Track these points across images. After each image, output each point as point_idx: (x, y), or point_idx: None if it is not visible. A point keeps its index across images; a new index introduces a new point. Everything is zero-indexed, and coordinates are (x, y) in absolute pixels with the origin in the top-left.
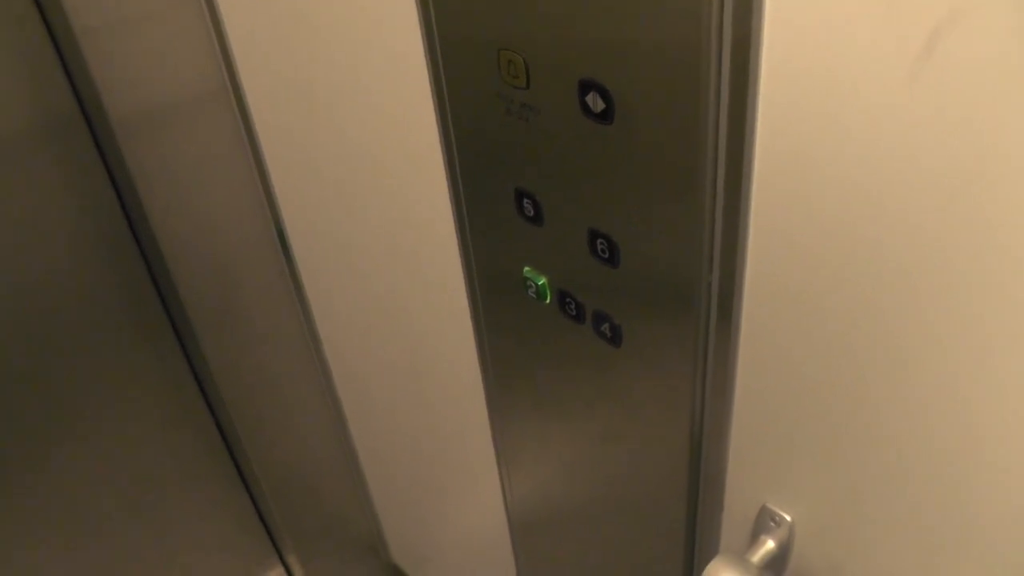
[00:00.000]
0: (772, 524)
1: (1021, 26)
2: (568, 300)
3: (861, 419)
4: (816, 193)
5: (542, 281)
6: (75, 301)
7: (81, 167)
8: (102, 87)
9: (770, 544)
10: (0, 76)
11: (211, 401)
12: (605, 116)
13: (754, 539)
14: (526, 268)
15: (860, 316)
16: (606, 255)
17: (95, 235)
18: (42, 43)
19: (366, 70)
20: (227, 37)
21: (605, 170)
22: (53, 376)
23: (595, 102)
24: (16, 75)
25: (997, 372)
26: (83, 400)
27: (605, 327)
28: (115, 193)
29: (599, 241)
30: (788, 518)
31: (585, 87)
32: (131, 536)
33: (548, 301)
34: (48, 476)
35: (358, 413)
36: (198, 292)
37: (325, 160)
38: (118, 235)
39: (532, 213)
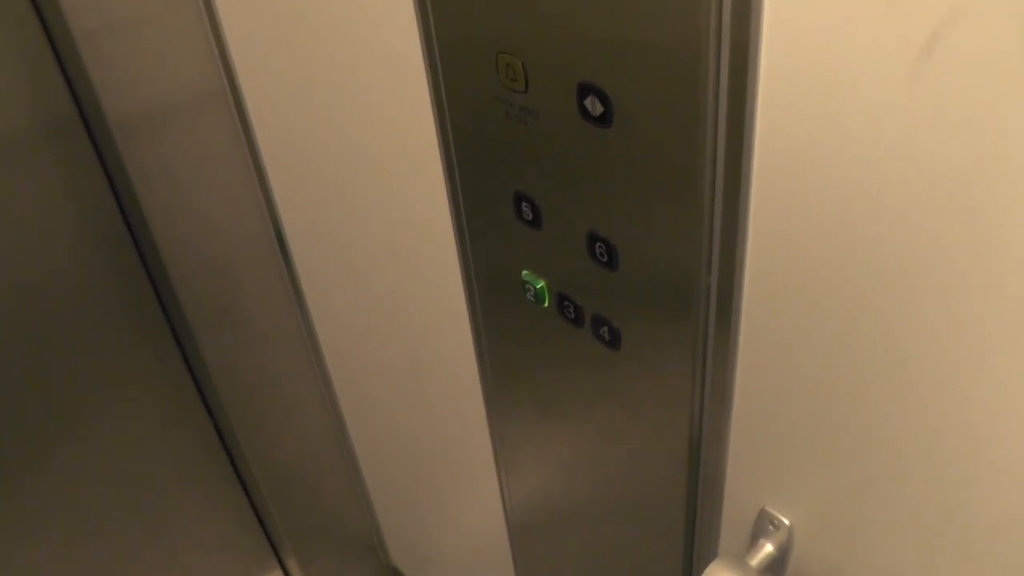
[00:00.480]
0: (771, 527)
1: (1020, 26)
2: (567, 303)
3: (861, 421)
4: (815, 194)
5: (541, 284)
6: (74, 302)
7: (80, 168)
8: (100, 89)
9: (769, 548)
10: (1, 81)
11: (209, 402)
12: (604, 119)
13: (753, 542)
14: (525, 271)
15: (860, 317)
16: (605, 258)
17: (94, 236)
18: (40, 45)
19: (365, 73)
20: (225, 39)
21: (604, 173)
22: (52, 376)
23: (594, 105)
24: (15, 77)
25: (997, 372)
26: (82, 400)
27: (604, 330)
28: (113, 194)
29: (598, 244)
30: (787, 522)
31: (584, 90)
32: (130, 536)
33: (547, 304)
34: (48, 476)
35: (357, 414)
36: (197, 293)
37: (324, 162)
38: (117, 236)
39: (531, 216)
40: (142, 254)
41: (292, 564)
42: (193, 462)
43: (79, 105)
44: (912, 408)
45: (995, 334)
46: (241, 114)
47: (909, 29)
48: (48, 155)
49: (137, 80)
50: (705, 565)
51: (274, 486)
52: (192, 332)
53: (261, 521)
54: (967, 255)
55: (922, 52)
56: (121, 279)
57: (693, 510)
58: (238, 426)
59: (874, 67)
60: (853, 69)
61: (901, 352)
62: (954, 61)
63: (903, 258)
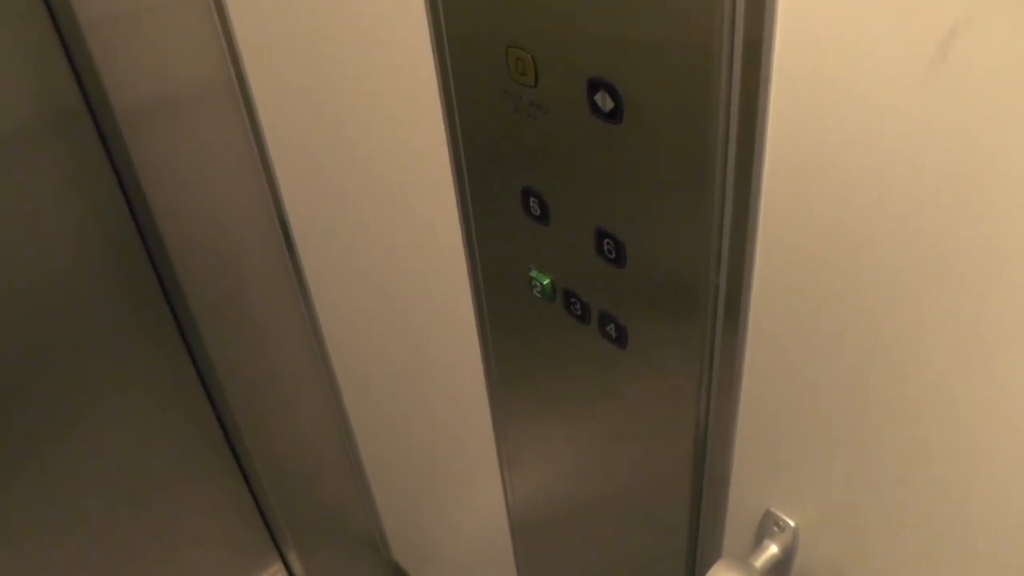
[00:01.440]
0: (776, 529)
1: None
2: (573, 300)
3: (866, 424)
4: (825, 196)
5: (547, 280)
6: (78, 294)
7: (86, 161)
8: (107, 81)
9: (774, 549)
10: (6, 70)
11: (213, 397)
12: (614, 115)
13: (757, 544)
14: (532, 267)
15: (866, 320)
16: (612, 255)
17: (99, 229)
18: (48, 37)
19: (374, 64)
20: (233, 30)
21: (613, 170)
22: (55, 369)
23: (604, 101)
24: (22, 69)
25: (1000, 380)
26: (84, 393)
27: (610, 328)
28: (120, 187)
29: (606, 241)
30: (792, 523)
31: (594, 86)
32: (132, 531)
33: (553, 301)
34: (50, 470)
35: (360, 409)
36: (201, 287)
37: (331, 155)
38: (122, 229)
39: (539, 212)
40: (147, 247)
41: (293, 558)
42: (196, 456)
43: (86, 98)
44: (917, 412)
45: (1000, 342)
46: (248, 106)
47: (922, 33)
48: (54, 148)
49: (144, 72)
50: (709, 566)
51: (276, 481)
52: (196, 326)
53: (263, 515)
54: (974, 263)
55: (935, 56)
56: (126, 272)
57: (697, 510)
58: (241, 420)
59: (887, 70)
60: (866, 71)
61: (906, 356)
62: (967, 66)
63: (910, 263)
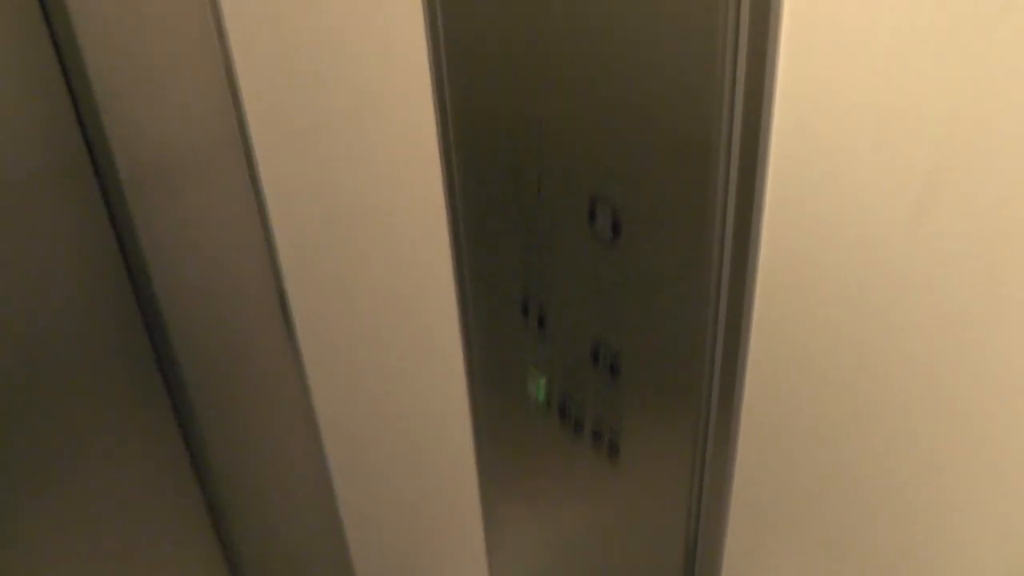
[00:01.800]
0: None
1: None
2: (567, 409)
3: (860, 541)
4: (816, 318)
5: (542, 387)
6: (67, 353)
7: (86, 216)
8: (112, 137)
9: None
10: (14, 121)
11: (200, 471)
12: (614, 233)
13: None
14: (528, 373)
15: (859, 434)
16: (608, 366)
17: (93, 285)
18: (58, 92)
19: (382, 154)
20: (240, 93)
21: (611, 284)
22: (37, 431)
23: (604, 219)
24: (29, 121)
25: (994, 505)
26: (66, 458)
27: (603, 438)
28: (118, 245)
29: (601, 352)
30: None
31: (595, 204)
32: None
33: (548, 408)
34: (30, 535)
35: (352, 502)
36: (194, 354)
37: (333, 233)
38: (117, 289)
39: (537, 320)
40: (142, 308)
41: None
42: (179, 529)
43: (91, 153)
44: (913, 532)
45: (992, 461)
46: (251, 170)
47: (906, 178)
48: (55, 201)
49: (148, 131)
50: None
51: (259, 561)
52: (187, 395)
53: None
54: (967, 375)
55: (917, 206)
56: (119, 335)
57: None
58: (227, 498)
59: (874, 211)
60: (853, 212)
61: (900, 472)
62: (946, 214)
63: (898, 373)
